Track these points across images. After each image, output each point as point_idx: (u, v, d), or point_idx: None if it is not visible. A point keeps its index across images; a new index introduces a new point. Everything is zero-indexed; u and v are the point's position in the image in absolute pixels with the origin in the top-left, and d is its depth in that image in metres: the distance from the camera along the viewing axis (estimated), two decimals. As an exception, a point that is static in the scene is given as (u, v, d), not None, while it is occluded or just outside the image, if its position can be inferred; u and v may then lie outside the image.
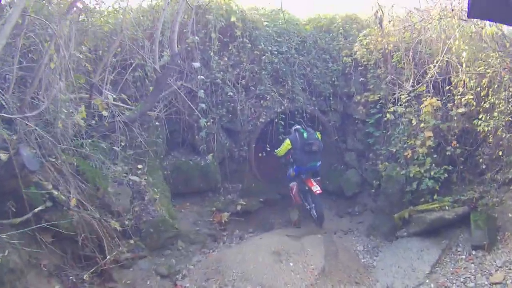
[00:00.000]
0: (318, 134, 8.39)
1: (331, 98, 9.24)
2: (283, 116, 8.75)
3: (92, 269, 5.60)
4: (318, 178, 8.36)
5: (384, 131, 8.46)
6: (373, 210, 8.55)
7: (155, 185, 7.33)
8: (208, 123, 8.26)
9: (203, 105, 7.77)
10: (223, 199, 8.52)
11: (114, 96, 7.21)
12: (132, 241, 6.59)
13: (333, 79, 9.30)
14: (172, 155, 8.48)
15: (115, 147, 6.87)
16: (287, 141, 8.20)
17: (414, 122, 7.61)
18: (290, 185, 8.66)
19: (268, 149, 8.68)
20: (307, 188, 8.19)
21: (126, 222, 6.54)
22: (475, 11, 2.51)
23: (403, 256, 6.70)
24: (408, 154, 7.48)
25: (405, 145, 7.65)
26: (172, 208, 7.43)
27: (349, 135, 9.37)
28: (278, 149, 8.39)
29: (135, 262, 6.55)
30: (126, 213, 6.68)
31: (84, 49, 7.12)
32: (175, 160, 8.33)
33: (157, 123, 7.86)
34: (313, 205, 8.18)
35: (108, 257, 5.75)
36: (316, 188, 7.92)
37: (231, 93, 8.51)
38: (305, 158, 8.04)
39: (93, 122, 6.78)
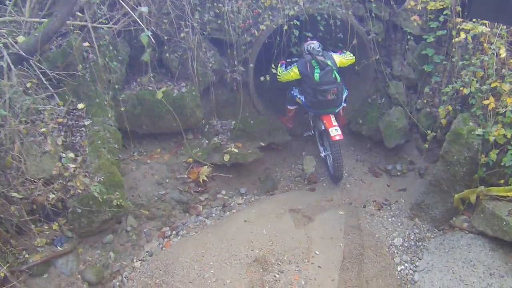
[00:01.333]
0: (346, 60, 5.77)
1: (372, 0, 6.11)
2: (298, 24, 5.86)
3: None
4: (342, 107, 5.88)
5: (450, 58, 5.63)
6: (422, 173, 5.92)
7: (96, 134, 4.70)
8: (184, 34, 5.67)
9: (145, 9, 4.67)
10: (206, 144, 5.87)
11: None
12: (55, 226, 4.20)
13: (376, -29, 6.15)
14: (136, 83, 5.92)
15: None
16: (295, 70, 5.71)
17: (502, 52, 4.94)
18: (288, 107, 6.39)
19: (274, 71, 5.90)
20: (322, 127, 5.70)
21: (51, 196, 4.07)
22: (475, 11, 2.41)
23: (461, 269, 4.32)
24: (490, 103, 4.75)
25: (484, 88, 4.91)
26: (117, 170, 4.99)
27: (396, 56, 6.34)
28: (281, 71, 5.88)
29: (53, 262, 4.28)
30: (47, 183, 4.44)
31: None
32: (138, 90, 5.79)
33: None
34: (329, 153, 5.89)
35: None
36: (336, 132, 5.47)
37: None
38: (317, 103, 5.72)
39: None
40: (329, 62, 5.46)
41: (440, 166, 5.10)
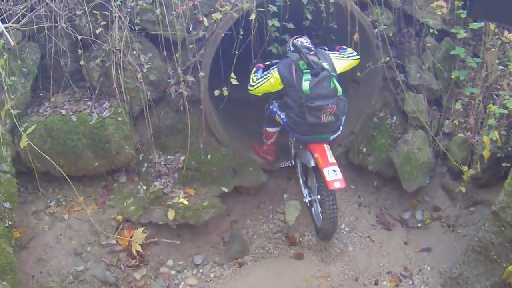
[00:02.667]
0: (349, 62, 3.99)
1: (378, -19, 4.34)
2: (276, 11, 4.06)
3: None
4: (338, 134, 4.05)
5: (486, 61, 4.23)
6: (451, 224, 4.25)
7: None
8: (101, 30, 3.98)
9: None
10: (143, 191, 4.01)
11: None
12: None
13: None
14: (49, 105, 4.19)
15: None
16: (275, 75, 3.86)
17: None
18: (265, 129, 4.55)
19: (235, 81, 4.03)
20: (311, 162, 3.93)
21: None
22: (475, 11, 2.35)
23: None
24: None
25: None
26: (7, 245, 3.40)
27: (411, 58, 4.56)
28: (255, 79, 3.98)
29: None
30: None
31: None
32: (48, 115, 4.07)
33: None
34: (318, 197, 4.06)
35: None
36: (334, 176, 3.66)
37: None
38: (304, 126, 3.87)
39: None
40: (325, 65, 3.65)
41: (490, 227, 3.48)
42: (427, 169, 4.26)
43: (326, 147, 3.86)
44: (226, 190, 4.18)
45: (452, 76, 4.29)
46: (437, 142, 4.27)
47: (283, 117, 4.06)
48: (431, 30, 4.31)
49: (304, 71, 3.62)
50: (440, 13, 4.29)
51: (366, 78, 4.43)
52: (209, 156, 4.29)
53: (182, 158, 4.22)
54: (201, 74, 3.96)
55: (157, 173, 4.20)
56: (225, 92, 4.00)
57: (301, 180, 4.40)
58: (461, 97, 4.34)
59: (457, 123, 4.27)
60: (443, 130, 4.34)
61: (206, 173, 4.24)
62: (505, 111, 3.78)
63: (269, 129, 4.40)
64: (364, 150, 4.61)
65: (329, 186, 3.61)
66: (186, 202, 3.93)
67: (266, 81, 3.82)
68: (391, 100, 4.62)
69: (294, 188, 4.62)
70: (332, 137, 3.96)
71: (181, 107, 4.07)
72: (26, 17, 3.98)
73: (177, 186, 4.15)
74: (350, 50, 4.06)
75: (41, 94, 4.30)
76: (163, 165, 4.20)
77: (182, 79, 4.01)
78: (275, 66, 3.85)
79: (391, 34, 4.35)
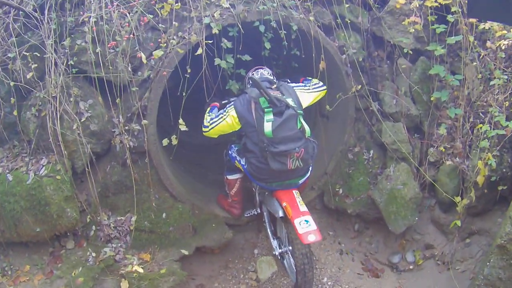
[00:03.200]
0: (315, 95, 3.57)
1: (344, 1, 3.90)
2: (230, 47, 3.62)
3: None
4: (307, 177, 3.56)
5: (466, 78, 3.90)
6: (447, 261, 3.79)
7: None
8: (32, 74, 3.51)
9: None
10: (93, 258, 3.48)
11: None
12: None
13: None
14: None
15: None
16: (231, 113, 3.40)
17: None
18: (226, 176, 4.01)
19: (183, 127, 3.51)
20: (279, 212, 3.39)
21: None
22: (475, 11, 2.32)
23: None
24: None
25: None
26: None
27: (385, 84, 4.14)
28: (210, 119, 3.49)
29: None
30: None
31: None
32: None
33: None
34: (290, 248, 3.51)
35: None
36: (307, 227, 3.11)
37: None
38: (268, 174, 3.40)
39: None
40: (290, 101, 3.17)
41: (496, 262, 3.13)
42: (415, 205, 3.78)
43: (295, 193, 3.38)
44: (186, 252, 3.62)
45: (432, 98, 3.87)
46: (424, 173, 3.80)
47: (243, 163, 3.60)
48: (405, 50, 3.89)
49: (266, 110, 3.12)
50: (413, 30, 3.90)
51: (336, 110, 3.98)
52: (164, 215, 3.74)
53: (134, 219, 3.64)
54: (144, 122, 3.44)
55: (106, 237, 3.60)
56: (174, 141, 3.47)
57: (269, 230, 3.84)
58: (444, 120, 3.92)
59: (443, 150, 3.84)
60: (428, 159, 3.87)
61: (162, 235, 3.69)
62: (502, 132, 3.37)
63: (230, 177, 3.88)
64: (341, 191, 4.10)
65: (303, 240, 3.06)
66: (141, 270, 3.34)
67: (222, 120, 3.33)
68: (365, 132, 4.17)
69: (265, 242, 4.08)
70: (301, 181, 3.45)
71: (128, 160, 3.49)
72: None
73: (130, 251, 3.56)
74: (315, 80, 3.62)
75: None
76: (112, 227, 3.61)
77: (126, 128, 3.49)
78: (232, 103, 3.37)
79: (361, 59, 3.91)
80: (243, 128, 3.28)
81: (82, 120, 3.45)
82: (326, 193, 4.17)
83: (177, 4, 3.54)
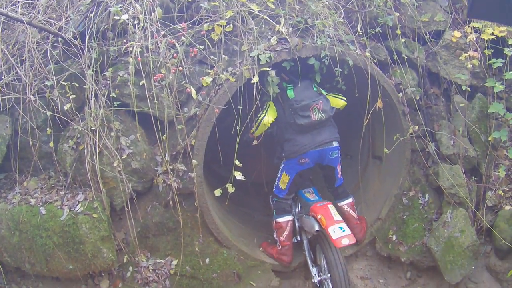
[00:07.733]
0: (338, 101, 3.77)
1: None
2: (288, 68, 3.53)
3: None
4: (350, 200, 3.83)
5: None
6: None
7: None
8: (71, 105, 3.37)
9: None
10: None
11: None
12: None
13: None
14: (19, 189, 3.54)
15: None
16: (271, 105, 3.69)
17: None
18: (275, 220, 3.86)
19: (239, 176, 3.26)
20: (315, 226, 3.44)
21: None
22: (475, 11, 2.34)
23: None
24: None
25: None
26: None
27: (441, 123, 3.92)
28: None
29: None
30: None
31: None
32: (17, 203, 3.47)
33: None
34: (329, 275, 3.45)
35: None
36: (341, 232, 3.19)
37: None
38: (301, 139, 3.56)
39: None
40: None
41: None
42: (472, 253, 3.57)
43: (330, 207, 3.49)
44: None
45: (490, 138, 3.64)
46: (482, 219, 3.56)
47: (285, 160, 3.66)
48: (463, 87, 3.66)
49: (289, 88, 3.59)
50: (470, 66, 3.65)
51: (390, 152, 3.74)
52: (207, 260, 3.54)
53: (175, 262, 3.46)
54: (194, 162, 3.23)
55: (144, 280, 3.42)
56: (230, 189, 3.23)
57: (308, 258, 3.85)
58: (502, 161, 3.70)
59: (502, 193, 3.62)
60: (485, 203, 3.64)
61: (205, 281, 3.49)
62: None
63: (280, 220, 3.72)
64: (394, 238, 3.86)
65: (336, 244, 3.17)
66: (182, 322, 3.16)
67: (261, 117, 3.58)
68: (421, 175, 3.96)
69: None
70: (331, 149, 3.54)
71: (171, 201, 3.30)
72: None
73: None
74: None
75: (15, 176, 3.59)
76: (151, 270, 3.42)
77: (170, 167, 3.29)
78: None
79: (418, 97, 3.72)
80: (278, 117, 3.59)
81: (123, 157, 3.27)
82: (379, 240, 3.92)
83: (228, 26, 3.36)
